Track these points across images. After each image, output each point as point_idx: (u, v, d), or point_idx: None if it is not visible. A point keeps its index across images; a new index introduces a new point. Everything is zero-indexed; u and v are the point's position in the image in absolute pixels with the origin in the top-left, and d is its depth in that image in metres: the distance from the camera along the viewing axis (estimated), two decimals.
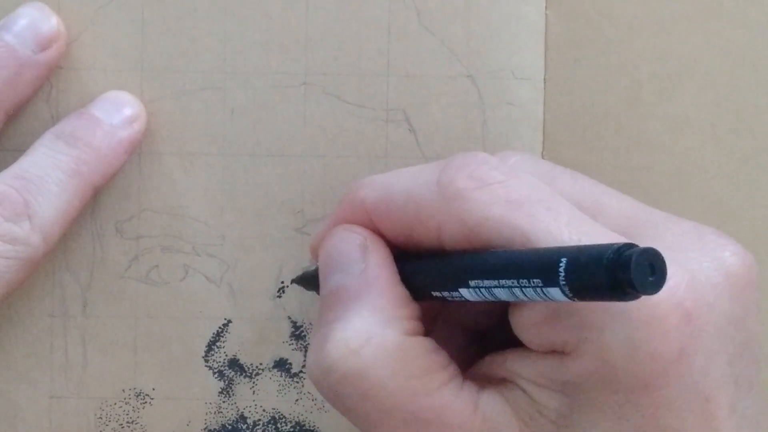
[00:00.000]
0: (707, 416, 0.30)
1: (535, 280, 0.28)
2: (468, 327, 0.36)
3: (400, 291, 0.33)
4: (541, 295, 0.28)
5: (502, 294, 0.29)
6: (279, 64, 0.40)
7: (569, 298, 0.27)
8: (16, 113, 0.39)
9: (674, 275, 0.29)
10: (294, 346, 0.40)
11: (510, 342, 0.32)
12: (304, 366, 0.40)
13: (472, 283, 0.30)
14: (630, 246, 0.26)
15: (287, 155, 0.40)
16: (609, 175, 0.40)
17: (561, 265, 0.27)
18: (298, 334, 0.40)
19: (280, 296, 0.40)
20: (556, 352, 0.30)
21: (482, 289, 0.30)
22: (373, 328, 0.31)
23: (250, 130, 0.40)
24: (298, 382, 0.40)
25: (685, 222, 0.32)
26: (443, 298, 0.32)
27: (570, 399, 0.30)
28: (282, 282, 0.40)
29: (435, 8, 0.40)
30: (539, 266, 0.27)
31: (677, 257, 0.30)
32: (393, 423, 0.31)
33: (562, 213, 0.30)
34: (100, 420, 0.40)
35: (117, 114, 0.39)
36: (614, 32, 0.40)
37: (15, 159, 0.38)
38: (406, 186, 0.33)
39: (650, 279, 0.25)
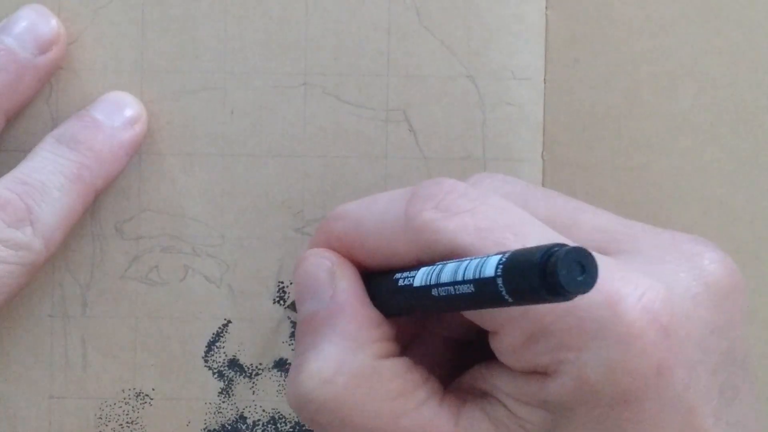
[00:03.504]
0: (691, 427, 0.30)
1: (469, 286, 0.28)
2: (451, 339, 0.35)
3: (370, 313, 0.32)
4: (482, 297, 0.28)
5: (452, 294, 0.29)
6: (279, 64, 0.40)
7: (508, 301, 0.27)
8: (16, 115, 0.39)
9: (649, 290, 0.29)
10: (294, 347, 0.40)
11: (493, 353, 0.32)
12: None
13: (432, 291, 0.30)
14: (560, 246, 0.26)
15: (287, 155, 0.40)
16: (609, 175, 0.40)
17: (498, 267, 0.27)
18: None
19: (282, 304, 0.40)
20: (538, 372, 0.30)
21: (440, 290, 0.30)
22: (344, 356, 0.31)
23: (250, 130, 0.40)
24: None
25: (662, 233, 0.32)
26: (416, 311, 0.32)
27: (551, 414, 0.30)
28: (281, 282, 0.40)
29: (435, 8, 0.40)
30: (479, 272, 0.28)
31: (653, 270, 0.30)
32: None
33: (530, 236, 0.30)
34: (99, 420, 0.40)
35: (118, 116, 0.39)
36: (614, 32, 0.40)
37: (15, 159, 0.38)
38: (375, 221, 0.33)
39: (579, 278, 0.25)
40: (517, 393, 0.31)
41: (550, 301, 0.26)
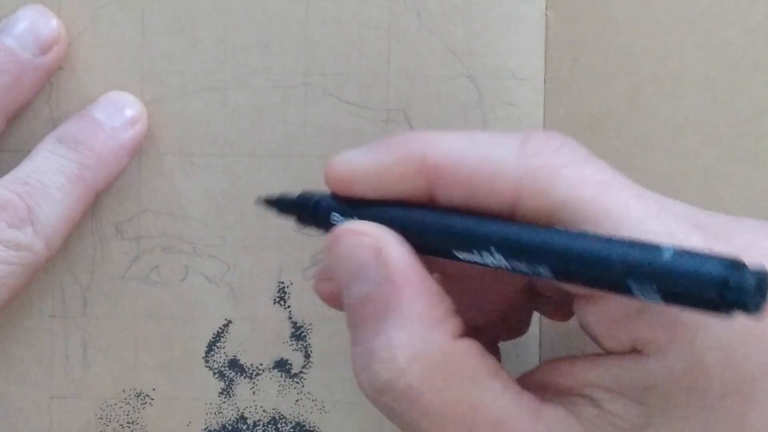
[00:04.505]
0: None
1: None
2: (471, 323, 0.34)
3: (432, 288, 0.30)
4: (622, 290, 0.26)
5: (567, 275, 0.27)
6: (279, 65, 0.40)
7: (654, 299, 0.25)
8: (16, 115, 0.39)
9: None
10: (294, 347, 0.40)
11: (510, 337, 0.31)
12: (304, 366, 0.40)
13: (545, 266, 0.28)
14: (740, 263, 0.24)
15: (287, 155, 0.40)
16: None
17: (660, 268, 0.25)
18: (298, 334, 0.40)
19: (282, 305, 0.40)
20: (636, 352, 0.28)
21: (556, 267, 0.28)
22: (417, 341, 0.29)
23: (250, 130, 0.40)
24: (298, 383, 0.40)
25: (745, 220, 0.31)
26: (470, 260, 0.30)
27: (648, 407, 0.28)
28: (282, 282, 0.40)
29: (435, 8, 0.40)
30: (633, 263, 0.26)
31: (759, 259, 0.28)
32: None
33: (650, 203, 0.28)
34: (100, 420, 0.40)
35: (118, 116, 0.39)
36: (614, 32, 0.40)
37: (15, 159, 0.38)
38: (481, 151, 0.30)
39: (759, 299, 0.24)
40: (610, 383, 0.29)
41: (707, 313, 0.25)
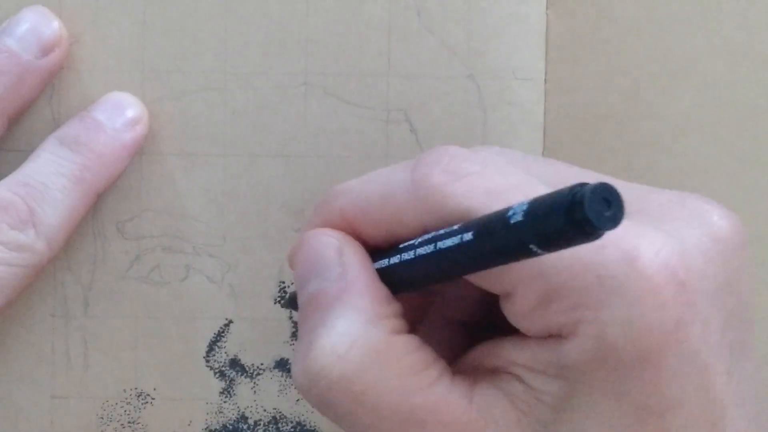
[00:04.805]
0: (706, 384, 0.29)
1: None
2: (455, 319, 0.35)
3: (381, 290, 0.32)
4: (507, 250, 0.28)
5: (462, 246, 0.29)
6: (279, 65, 0.40)
7: (532, 250, 0.26)
8: (18, 117, 0.39)
9: (665, 245, 0.29)
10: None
11: (499, 331, 0.32)
12: None
13: (441, 251, 0.30)
14: (583, 184, 0.25)
15: (287, 155, 0.40)
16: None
17: (519, 214, 0.26)
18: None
19: (282, 304, 0.40)
20: (553, 336, 0.30)
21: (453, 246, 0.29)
22: (357, 330, 0.31)
23: (250, 130, 0.40)
24: None
25: (667, 192, 0.32)
26: (426, 282, 0.32)
27: (569, 382, 0.30)
28: (282, 282, 0.40)
29: (435, 8, 0.40)
30: (501, 222, 0.27)
31: (665, 227, 0.30)
32: (387, 425, 0.30)
33: (539, 194, 0.29)
34: (101, 420, 0.40)
35: (119, 116, 0.39)
36: (614, 32, 0.40)
37: (16, 160, 0.38)
38: (379, 192, 0.32)
39: (606, 214, 0.25)
40: (532, 363, 0.30)
41: (578, 242, 0.25)
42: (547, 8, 0.40)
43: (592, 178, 0.32)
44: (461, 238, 0.29)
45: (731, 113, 0.41)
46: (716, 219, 0.31)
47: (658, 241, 0.29)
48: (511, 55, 0.40)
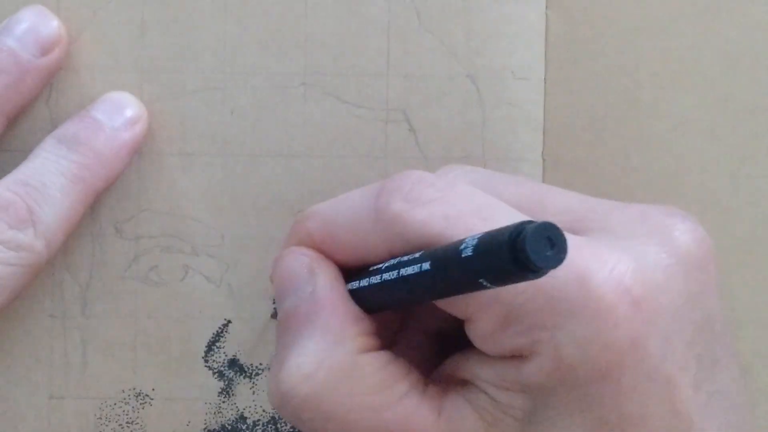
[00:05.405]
0: (670, 398, 0.30)
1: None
2: (433, 332, 0.35)
3: (349, 308, 0.32)
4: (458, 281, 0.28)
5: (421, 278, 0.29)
6: (279, 64, 0.40)
7: (482, 284, 0.27)
8: (17, 116, 0.39)
9: (618, 264, 0.29)
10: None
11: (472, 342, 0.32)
12: None
13: (401, 280, 0.30)
14: (528, 223, 0.26)
15: (287, 155, 0.40)
16: (608, 174, 0.40)
17: (468, 249, 0.27)
18: None
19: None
20: (515, 356, 0.30)
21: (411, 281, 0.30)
22: (324, 350, 0.31)
23: (249, 130, 0.40)
24: None
25: (631, 207, 0.32)
26: (393, 304, 0.32)
27: (532, 397, 0.31)
28: None
29: (435, 8, 0.40)
30: (451, 256, 0.28)
31: (622, 244, 0.30)
32: None
33: (498, 220, 0.30)
34: (99, 420, 0.40)
35: (118, 116, 0.39)
36: (614, 32, 0.40)
37: (14, 159, 0.38)
38: (347, 217, 0.33)
39: (548, 253, 0.25)
40: (496, 379, 0.31)
41: (522, 279, 0.26)
42: (546, 8, 0.40)
43: (556, 194, 0.33)
44: (420, 267, 0.29)
45: (730, 113, 0.40)
46: (677, 234, 0.31)
47: (611, 260, 0.29)
48: (511, 55, 0.40)
